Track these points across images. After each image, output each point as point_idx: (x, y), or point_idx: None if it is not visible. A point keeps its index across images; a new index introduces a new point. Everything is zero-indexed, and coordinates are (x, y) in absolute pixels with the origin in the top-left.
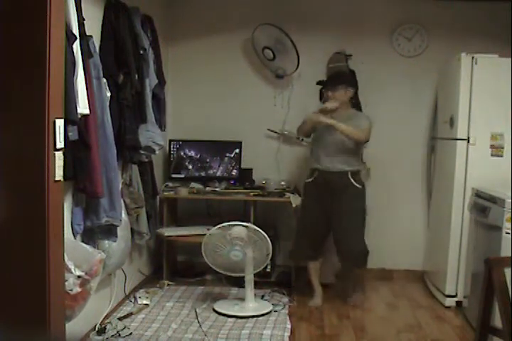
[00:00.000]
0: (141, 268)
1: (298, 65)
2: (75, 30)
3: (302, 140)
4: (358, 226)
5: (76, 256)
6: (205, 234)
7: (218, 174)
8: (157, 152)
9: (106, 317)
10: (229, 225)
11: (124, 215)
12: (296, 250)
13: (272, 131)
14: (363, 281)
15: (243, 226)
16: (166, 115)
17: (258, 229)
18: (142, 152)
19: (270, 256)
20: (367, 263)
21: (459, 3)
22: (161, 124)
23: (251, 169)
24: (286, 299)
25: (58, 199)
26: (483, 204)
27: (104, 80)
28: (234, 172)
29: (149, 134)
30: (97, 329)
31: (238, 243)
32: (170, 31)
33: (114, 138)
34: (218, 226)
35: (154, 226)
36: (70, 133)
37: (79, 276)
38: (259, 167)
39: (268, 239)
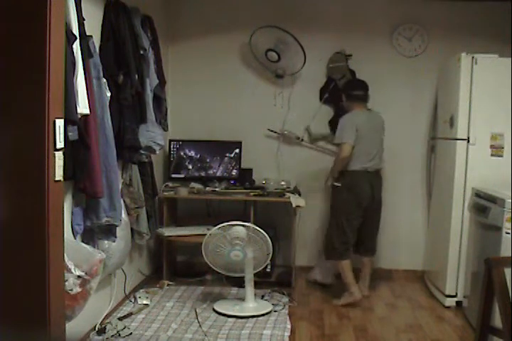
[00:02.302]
0: (141, 268)
1: (305, 60)
2: (75, 30)
3: (302, 140)
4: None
5: (76, 256)
6: (205, 234)
7: (218, 174)
8: (157, 152)
9: (106, 317)
10: (229, 225)
11: (124, 215)
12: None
13: (272, 131)
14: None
15: (243, 226)
16: (167, 115)
17: (258, 228)
18: (142, 152)
19: (271, 255)
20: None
21: (459, 3)
22: (163, 124)
23: (251, 169)
24: (286, 299)
25: (58, 199)
26: (483, 204)
27: (104, 80)
28: (234, 172)
29: (149, 134)
30: (97, 329)
31: (238, 243)
32: (170, 31)
33: (114, 138)
34: (218, 226)
35: (154, 226)
36: (70, 133)
37: (79, 276)
38: (259, 167)
39: (268, 237)
